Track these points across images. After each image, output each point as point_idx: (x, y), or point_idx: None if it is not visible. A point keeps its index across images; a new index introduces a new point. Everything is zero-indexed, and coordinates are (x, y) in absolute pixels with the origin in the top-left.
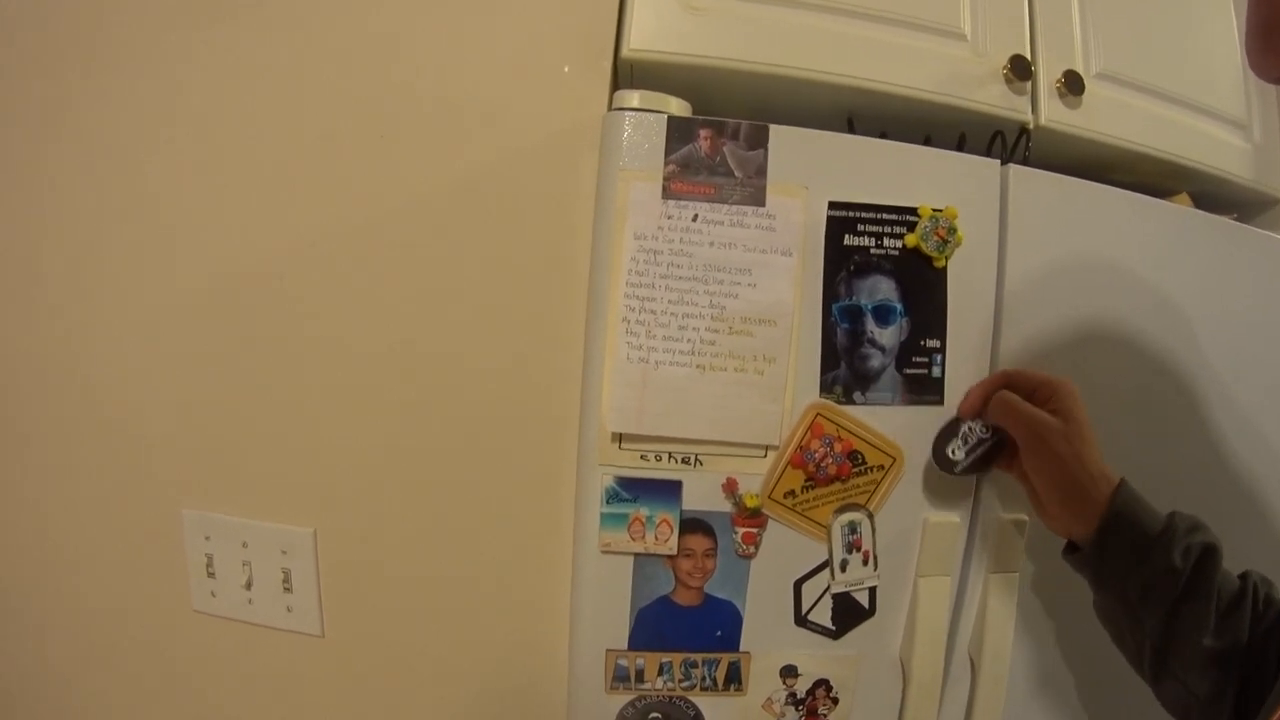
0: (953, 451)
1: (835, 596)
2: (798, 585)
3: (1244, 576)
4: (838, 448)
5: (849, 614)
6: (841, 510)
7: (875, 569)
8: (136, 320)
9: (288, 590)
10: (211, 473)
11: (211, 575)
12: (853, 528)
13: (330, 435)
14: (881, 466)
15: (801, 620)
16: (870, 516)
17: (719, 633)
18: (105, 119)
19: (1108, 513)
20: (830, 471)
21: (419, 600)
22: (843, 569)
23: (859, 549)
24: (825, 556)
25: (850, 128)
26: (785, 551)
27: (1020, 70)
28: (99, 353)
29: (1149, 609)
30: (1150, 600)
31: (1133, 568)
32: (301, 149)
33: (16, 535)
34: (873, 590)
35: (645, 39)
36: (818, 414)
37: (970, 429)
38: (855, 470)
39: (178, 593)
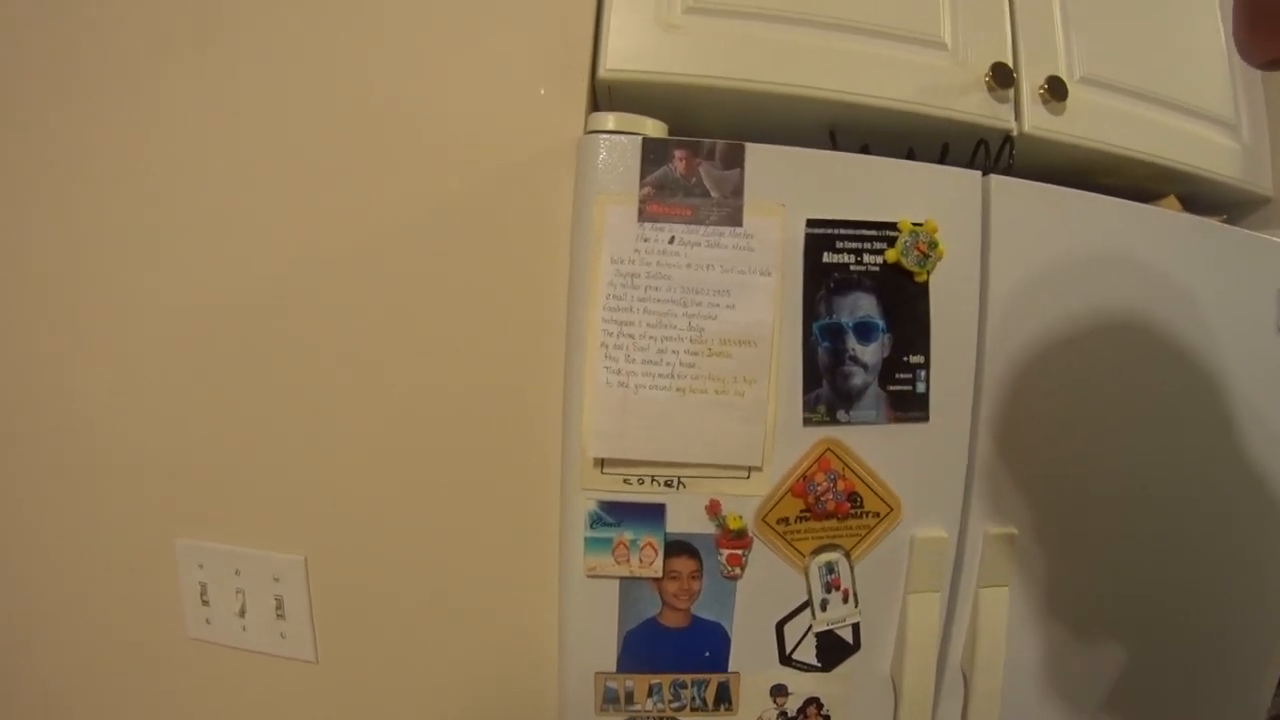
0: None
1: (819, 635)
2: (779, 627)
3: None
4: (840, 485)
5: (834, 650)
6: (818, 551)
7: (857, 605)
8: (125, 350)
9: (280, 617)
10: (203, 501)
11: (206, 603)
12: (830, 568)
13: (317, 462)
14: (877, 514)
15: (786, 660)
16: (848, 555)
17: (707, 653)
18: (87, 143)
19: None
20: (828, 507)
21: (410, 626)
22: (823, 608)
23: (838, 588)
24: (806, 587)
25: (833, 141)
26: (771, 573)
27: (1002, 78)
28: (89, 384)
29: None
30: None
31: None
32: (284, 177)
33: (12, 565)
34: (856, 626)
35: (622, 59)
36: (828, 448)
37: None
38: (852, 512)
39: (174, 621)
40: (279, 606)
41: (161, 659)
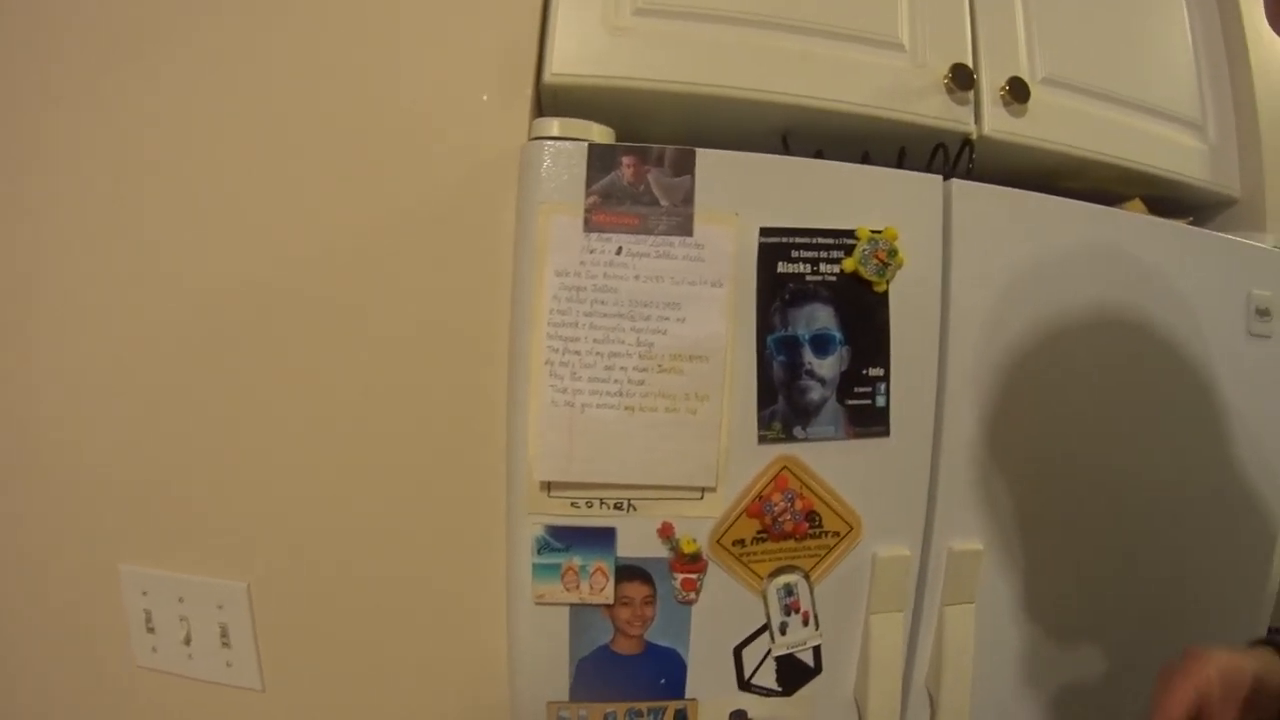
0: None
1: (779, 659)
2: (738, 651)
3: None
4: (798, 505)
5: (795, 674)
6: (777, 573)
7: (817, 628)
8: (66, 372)
9: (226, 645)
10: (146, 526)
11: (151, 631)
12: (789, 590)
13: (258, 488)
14: (837, 533)
15: (745, 685)
16: (807, 576)
17: (663, 680)
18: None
19: None
20: (786, 527)
21: (357, 654)
22: (782, 631)
23: (797, 610)
24: (764, 610)
25: (785, 147)
26: (727, 597)
27: (962, 79)
28: (30, 406)
29: None
30: None
31: None
32: (221, 193)
33: None
34: (817, 649)
35: (568, 63)
36: (785, 466)
37: None
38: (811, 531)
39: (122, 649)
40: (223, 634)
41: (111, 688)
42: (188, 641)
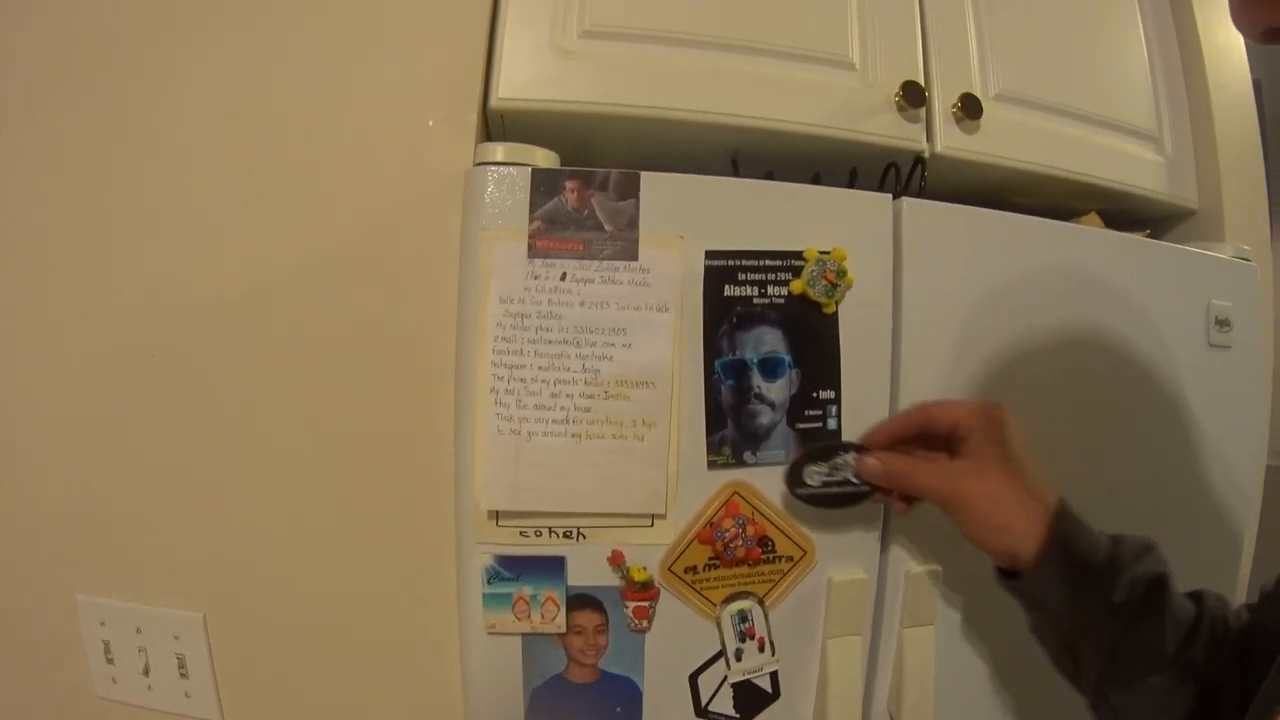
0: (810, 477)
1: (735, 685)
2: (693, 679)
3: (1198, 599)
4: (750, 530)
5: (752, 700)
6: (730, 599)
7: (774, 653)
8: (19, 404)
9: (184, 676)
10: (103, 556)
11: (111, 662)
12: (743, 616)
13: (215, 519)
14: (790, 558)
15: (702, 712)
16: (761, 602)
17: (619, 709)
18: None
19: (1046, 543)
20: (738, 554)
21: (315, 686)
22: (738, 658)
23: (752, 637)
24: (719, 637)
25: (735, 169)
26: (681, 625)
27: (913, 97)
28: None
29: (1090, 642)
30: (1092, 634)
31: (1073, 601)
32: (166, 218)
33: None
34: (774, 674)
35: (515, 87)
36: (735, 492)
37: (846, 463)
38: (764, 557)
39: (82, 679)
40: (181, 665)
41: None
42: (146, 672)
